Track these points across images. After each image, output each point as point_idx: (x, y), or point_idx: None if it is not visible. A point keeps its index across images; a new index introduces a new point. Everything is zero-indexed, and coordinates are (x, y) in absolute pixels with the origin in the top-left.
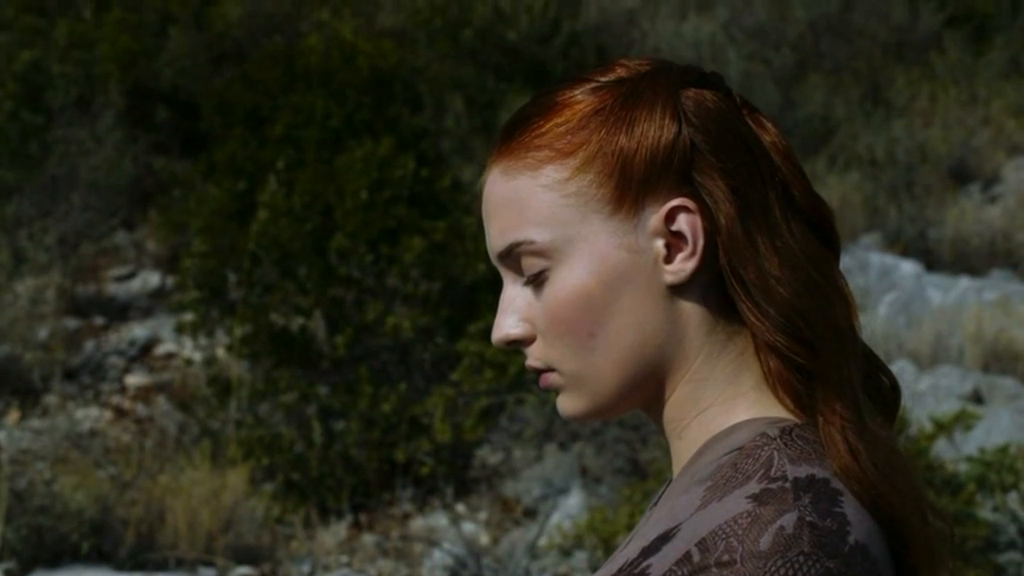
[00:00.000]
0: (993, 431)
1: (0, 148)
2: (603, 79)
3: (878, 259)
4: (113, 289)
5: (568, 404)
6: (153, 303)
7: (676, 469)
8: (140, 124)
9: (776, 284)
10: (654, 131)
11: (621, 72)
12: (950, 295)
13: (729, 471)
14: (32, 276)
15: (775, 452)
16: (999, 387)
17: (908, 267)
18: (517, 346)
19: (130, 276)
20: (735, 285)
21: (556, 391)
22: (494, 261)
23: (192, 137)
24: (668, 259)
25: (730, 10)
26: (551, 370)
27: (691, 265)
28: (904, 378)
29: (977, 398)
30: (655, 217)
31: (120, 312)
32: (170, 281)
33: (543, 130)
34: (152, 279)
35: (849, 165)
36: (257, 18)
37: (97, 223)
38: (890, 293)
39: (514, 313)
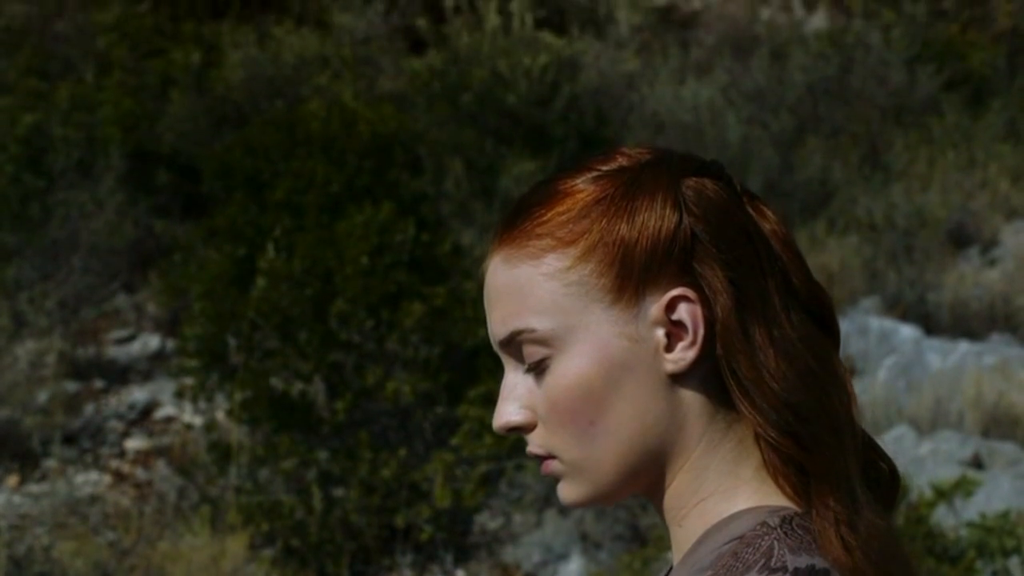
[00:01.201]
0: (993, 497)
1: (1, 211)
2: (604, 168)
3: (877, 323)
4: (113, 352)
5: (569, 491)
6: (153, 366)
7: (676, 557)
8: (141, 187)
9: (770, 378)
10: (655, 221)
11: (622, 161)
12: (950, 359)
13: (730, 560)
14: (32, 339)
15: (775, 542)
16: (999, 452)
17: (907, 331)
18: (518, 433)
19: (130, 339)
20: (729, 378)
21: (557, 478)
22: (496, 348)
23: (193, 200)
24: (669, 348)
25: (729, 74)
26: (552, 457)
27: (691, 354)
28: (904, 443)
29: (977, 463)
30: (656, 306)
31: (120, 375)
32: (170, 344)
33: (545, 219)
34: (152, 342)
35: (848, 229)
36: (258, 82)
37: (97, 286)
38: (889, 357)
39: (515, 400)
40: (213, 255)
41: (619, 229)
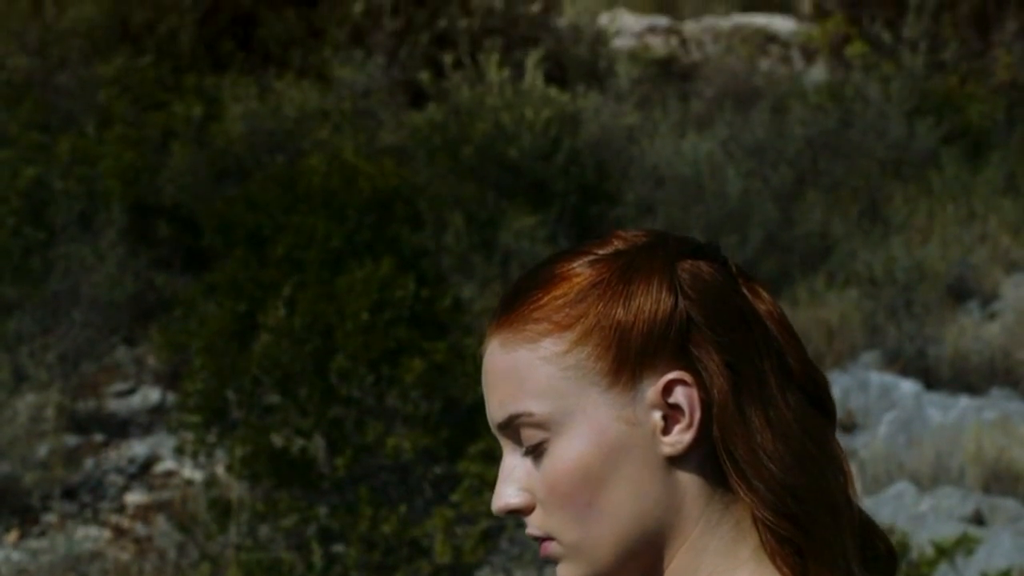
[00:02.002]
0: (995, 554)
1: (2, 264)
2: (600, 252)
3: (877, 378)
4: (113, 405)
5: (567, 573)
6: (153, 419)
7: None
8: (142, 240)
9: (767, 460)
10: (651, 304)
11: (618, 244)
12: (950, 414)
13: None
14: (32, 393)
15: None
16: (1001, 508)
17: (907, 386)
18: (517, 515)
19: (130, 392)
20: (726, 459)
21: (555, 560)
22: (494, 430)
23: (194, 253)
24: (665, 431)
25: (728, 128)
26: (551, 539)
27: (688, 437)
28: (904, 500)
29: (979, 520)
30: (652, 390)
31: (120, 428)
32: (171, 397)
33: (542, 303)
34: (152, 395)
35: (848, 283)
36: (259, 135)
37: (98, 340)
38: (890, 412)
39: (514, 483)
40: (213, 310)
41: (615, 313)
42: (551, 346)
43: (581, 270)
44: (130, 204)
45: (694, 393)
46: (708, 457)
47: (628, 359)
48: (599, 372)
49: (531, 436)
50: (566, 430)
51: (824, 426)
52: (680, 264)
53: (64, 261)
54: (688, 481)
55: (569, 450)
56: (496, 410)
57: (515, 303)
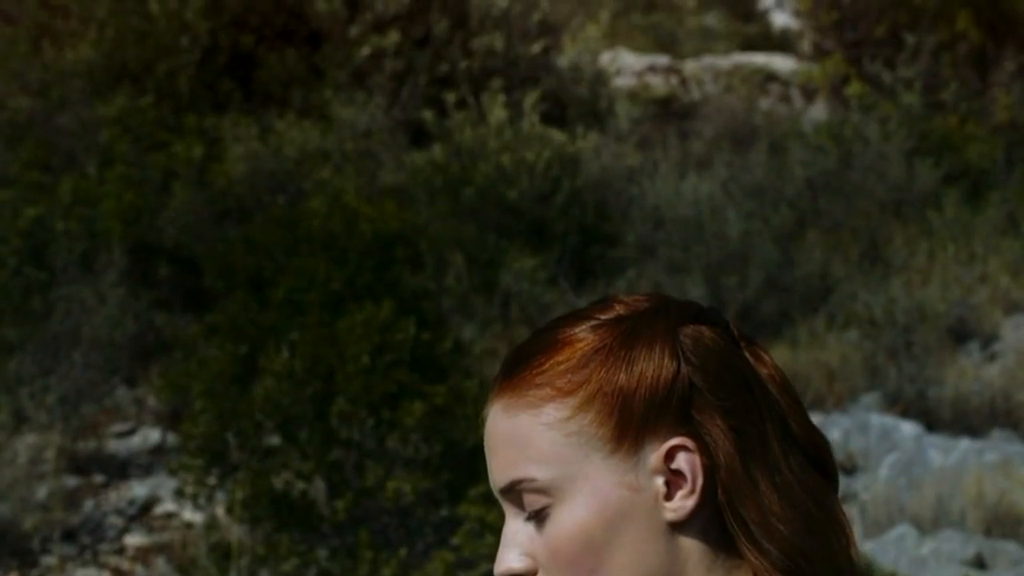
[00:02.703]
0: None
1: (3, 305)
2: (603, 317)
3: (878, 420)
4: (113, 446)
5: None
6: (153, 459)
7: None
8: (142, 280)
9: (776, 522)
10: (653, 370)
11: (620, 310)
12: (951, 456)
13: None
14: (32, 434)
15: None
16: (1002, 552)
17: (908, 428)
18: None
19: (130, 432)
20: (734, 523)
21: None
22: (496, 494)
23: (194, 293)
24: (668, 496)
25: (728, 168)
26: None
27: (691, 503)
28: (906, 543)
29: (980, 563)
30: (655, 456)
31: (120, 469)
32: (171, 437)
33: (544, 368)
34: (153, 435)
35: (848, 324)
36: (260, 175)
37: (98, 381)
38: (891, 455)
39: (516, 547)
40: (214, 353)
41: (618, 379)
42: (554, 412)
43: (583, 335)
44: (131, 245)
45: (696, 459)
46: (711, 522)
47: (631, 425)
48: (602, 438)
49: (534, 501)
50: (569, 496)
51: (827, 489)
52: (682, 329)
53: (65, 302)
54: (691, 546)
55: (572, 516)
56: (498, 475)
57: (517, 368)
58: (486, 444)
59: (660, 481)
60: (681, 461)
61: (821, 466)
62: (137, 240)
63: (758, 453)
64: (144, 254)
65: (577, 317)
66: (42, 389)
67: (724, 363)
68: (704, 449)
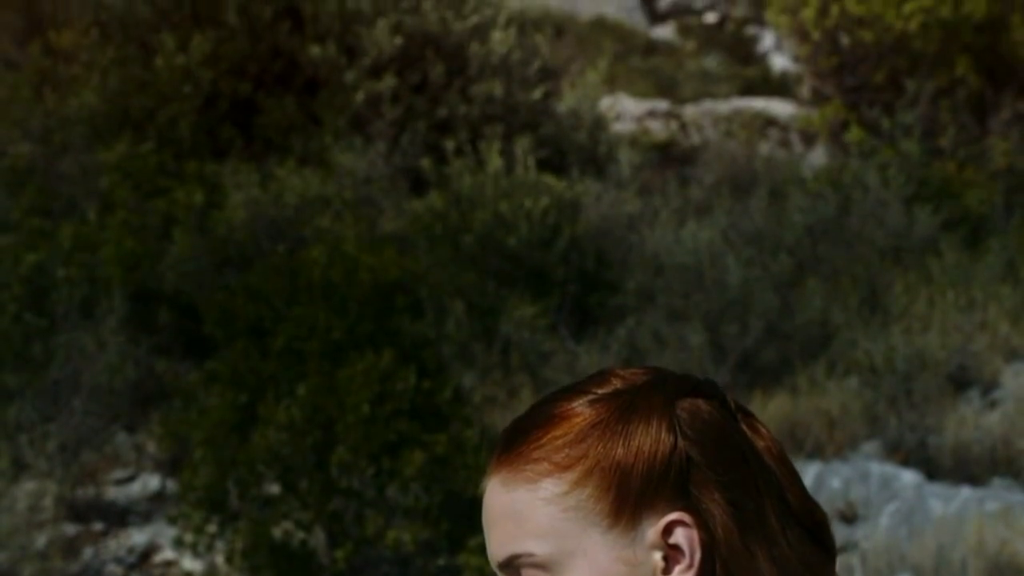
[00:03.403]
0: None
1: (3, 351)
2: (600, 391)
3: (878, 468)
4: (113, 493)
5: None
6: (153, 507)
7: None
8: (142, 327)
9: None
10: (650, 445)
11: (617, 384)
12: (952, 505)
13: None
14: (32, 481)
15: None
16: None
17: (909, 476)
18: None
19: (130, 479)
20: None
21: None
22: (494, 569)
23: (194, 339)
24: (666, 571)
25: (728, 215)
26: None
27: None
28: None
29: None
30: (652, 530)
31: (120, 516)
32: (171, 484)
33: (541, 443)
34: (152, 482)
35: (848, 372)
36: (260, 222)
37: (98, 428)
38: (891, 503)
39: None
40: (214, 401)
41: (615, 454)
42: (551, 487)
43: (581, 410)
44: (131, 291)
45: (694, 534)
46: None
47: (628, 500)
48: (599, 513)
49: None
50: (567, 571)
51: (824, 562)
52: (679, 403)
53: (65, 348)
54: None
55: None
56: (497, 549)
57: (515, 442)
58: (484, 518)
59: (658, 556)
60: (679, 536)
61: (819, 539)
62: (137, 286)
63: (756, 527)
64: (144, 300)
65: (574, 391)
66: (42, 436)
67: (721, 437)
68: (702, 524)
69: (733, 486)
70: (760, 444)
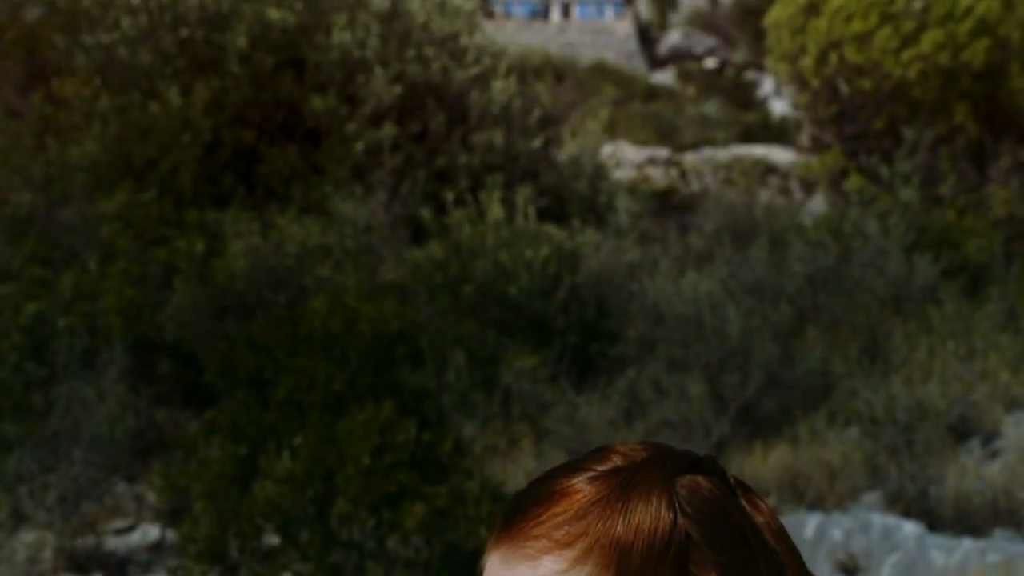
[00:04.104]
0: None
1: (3, 401)
2: (600, 468)
3: (879, 520)
4: (112, 543)
5: None
6: (153, 557)
7: None
8: (143, 376)
9: None
10: (650, 522)
11: (617, 460)
12: (953, 557)
13: None
14: (31, 531)
15: None
16: None
17: (910, 528)
18: None
19: (130, 529)
20: None
21: None
22: None
23: (195, 388)
24: None
25: (728, 265)
26: None
27: None
28: None
29: None
30: None
31: (119, 567)
32: (171, 535)
33: (541, 519)
34: (152, 532)
35: (849, 422)
36: (261, 271)
37: (98, 479)
38: (892, 555)
39: None
40: (215, 453)
41: (615, 531)
42: (551, 564)
43: (581, 487)
44: (132, 340)
45: None
46: None
47: None
48: None
49: None
50: None
51: None
52: (679, 480)
53: (65, 399)
54: None
55: None
56: None
57: (515, 519)
58: None
59: None
60: None
61: None
62: (138, 336)
63: None
64: (145, 350)
65: (574, 468)
66: (41, 487)
67: (721, 515)
68: None
69: (732, 566)
70: (760, 520)
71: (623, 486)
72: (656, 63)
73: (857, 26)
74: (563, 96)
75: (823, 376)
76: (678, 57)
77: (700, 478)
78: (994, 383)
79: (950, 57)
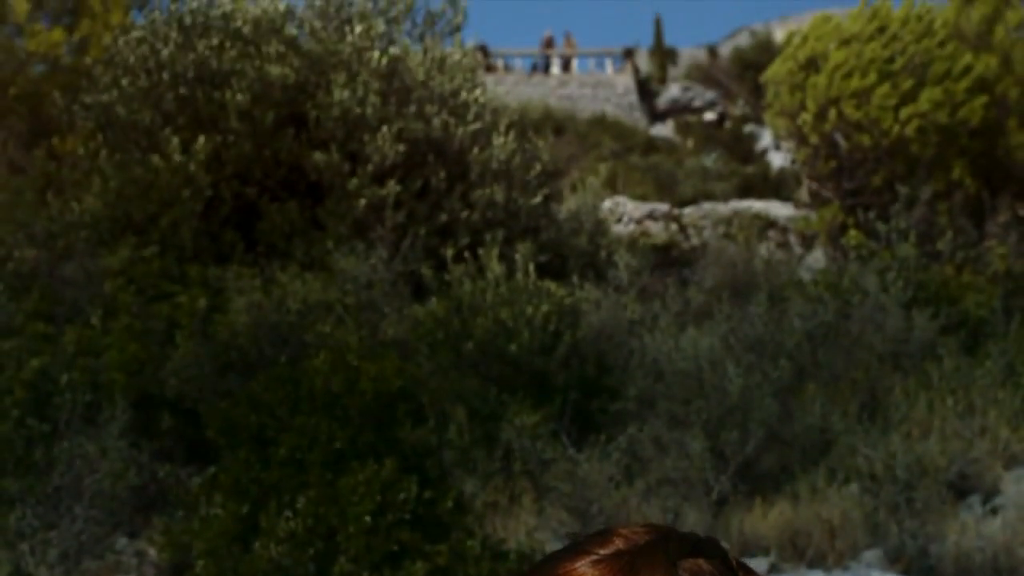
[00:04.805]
0: None
1: (5, 456)
2: (602, 552)
3: None
4: None
5: None
6: None
7: None
8: (145, 432)
9: None
10: None
11: (619, 544)
12: None
13: None
14: None
15: None
16: None
17: None
18: None
19: None
20: None
21: None
22: None
23: (197, 444)
24: None
25: (728, 321)
26: None
27: None
28: None
29: None
30: None
31: None
32: None
33: None
34: None
35: (848, 479)
36: (262, 327)
37: (100, 536)
38: None
39: None
40: (216, 511)
41: None
42: None
43: (583, 570)
44: (134, 396)
45: None
46: None
47: None
48: None
49: None
50: None
51: None
52: (681, 564)
53: (67, 454)
54: None
55: None
56: None
57: None
58: None
59: None
60: None
61: None
62: (140, 392)
63: None
64: (147, 406)
65: (577, 551)
66: (43, 543)
67: None
68: None
69: None
70: None
71: (625, 570)
72: (656, 116)
73: (856, 83)
74: (563, 148)
75: (823, 432)
76: (677, 110)
77: (702, 561)
78: (994, 440)
79: (948, 115)
